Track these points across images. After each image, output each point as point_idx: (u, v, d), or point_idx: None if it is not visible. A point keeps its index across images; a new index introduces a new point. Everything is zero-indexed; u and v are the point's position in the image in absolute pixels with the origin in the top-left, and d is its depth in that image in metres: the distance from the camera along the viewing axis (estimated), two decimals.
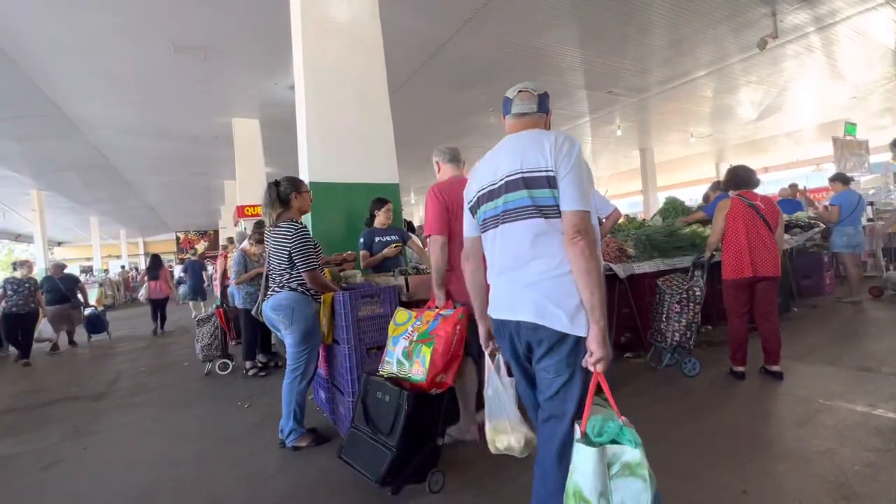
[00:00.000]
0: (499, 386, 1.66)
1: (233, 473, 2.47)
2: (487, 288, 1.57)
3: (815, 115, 11.39)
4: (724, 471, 2.04)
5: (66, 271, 7.65)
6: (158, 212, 19.40)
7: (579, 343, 1.33)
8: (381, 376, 2.23)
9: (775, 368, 3.14)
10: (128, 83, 6.47)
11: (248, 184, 8.94)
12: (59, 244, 26.04)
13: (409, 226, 6.73)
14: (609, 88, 8.35)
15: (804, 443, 2.25)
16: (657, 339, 3.50)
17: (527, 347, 1.43)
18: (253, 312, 3.05)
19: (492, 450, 1.69)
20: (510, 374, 1.62)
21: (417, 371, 2.13)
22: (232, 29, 5.28)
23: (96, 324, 7.95)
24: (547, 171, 1.35)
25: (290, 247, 2.59)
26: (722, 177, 3.79)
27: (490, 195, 1.48)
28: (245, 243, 4.73)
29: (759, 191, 3.39)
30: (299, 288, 2.63)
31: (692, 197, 11.58)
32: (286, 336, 2.65)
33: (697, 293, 3.37)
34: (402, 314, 2.40)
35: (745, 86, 8.81)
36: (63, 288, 7.20)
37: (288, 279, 2.64)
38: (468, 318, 2.33)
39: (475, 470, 2.25)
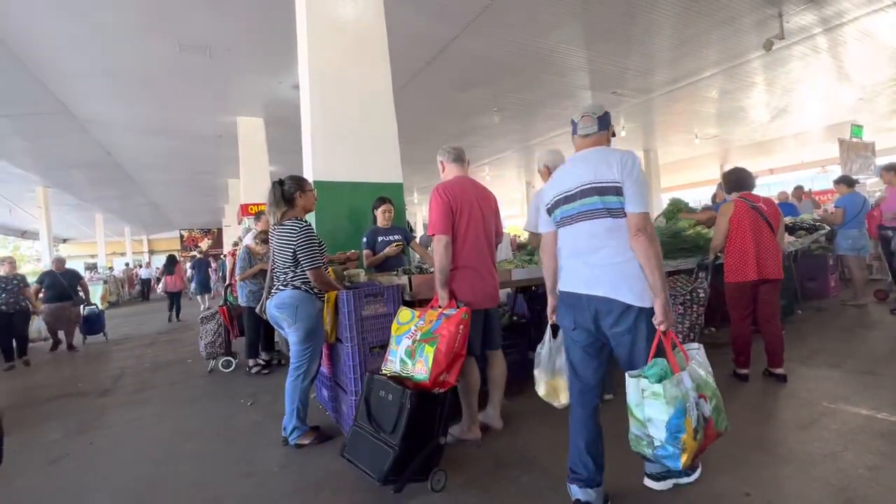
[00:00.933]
0: (551, 347, 2.13)
1: (236, 470, 2.49)
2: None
3: (821, 116, 11.33)
4: (727, 473, 2.04)
5: (69, 268, 7.30)
6: (163, 209, 19.50)
7: (641, 312, 1.72)
8: (384, 375, 2.24)
9: (779, 371, 3.13)
10: (133, 81, 6.50)
11: (252, 182, 8.97)
12: (65, 241, 26.18)
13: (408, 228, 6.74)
14: (613, 89, 8.33)
15: (807, 446, 2.25)
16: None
17: (595, 316, 1.80)
18: (257, 310, 3.06)
19: (539, 393, 2.18)
20: (555, 336, 2.13)
21: (420, 370, 2.13)
22: (237, 28, 5.29)
23: (94, 324, 7.46)
24: (614, 182, 1.74)
25: (294, 245, 2.60)
26: None
27: (566, 199, 1.86)
28: (250, 241, 4.75)
29: (764, 193, 3.38)
30: (303, 286, 2.64)
31: (697, 198, 11.54)
32: (290, 334, 2.66)
33: (701, 295, 3.36)
34: (405, 313, 2.40)
35: (750, 87, 8.76)
36: (65, 284, 6.81)
37: (292, 277, 2.65)
38: (471, 317, 2.34)
39: (477, 469, 2.25)
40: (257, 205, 8.44)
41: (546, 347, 2.16)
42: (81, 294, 7.18)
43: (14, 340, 5.96)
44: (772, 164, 17.00)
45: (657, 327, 1.69)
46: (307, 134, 3.81)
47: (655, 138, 12.74)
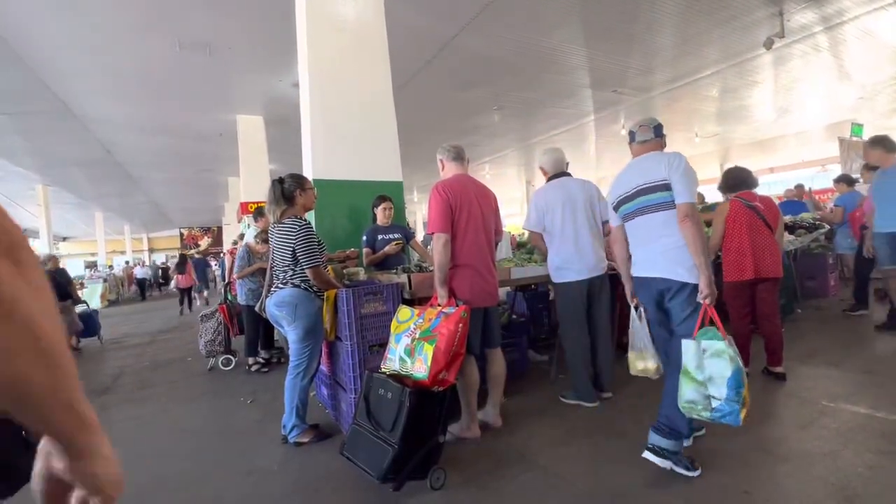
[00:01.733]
0: (638, 325, 2.34)
1: (235, 468, 2.49)
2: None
3: (821, 115, 11.31)
4: (726, 472, 2.04)
5: (66, 267, 7.17)
6: (162, 208, 19.49)
7: (694, 288, 2.02)
8: (384, 373, 2.24)
9: (778, 370, 3.13)
10: (133, 79, 6.49)
11: (251, 181, 8.96)
12: (64, 239, 26.19)
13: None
14: (614, 88, 8.31)
15: (806, 444, 2.25)
16: None
17: (658, 294, 2.15)
18: (256, 308, 3.06)
19: (632, 371, 2.36)
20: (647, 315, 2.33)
21: (419, 368, 2.13)
22: (237, 26, 5.29)
23: (88, 325, 6.88)
24: (663, 181, 2.08)
25: (293, 243, 2.60)
26: None
27: (626, 199, 2.24)
28: (250, 239, 4.75)
29: (764, 191, 3.39)
30: (303, 284, 2.64)
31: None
32: (289, 332, 2.66)
33: None
34: (404, 312, 2.40)
35: (751, 86, 8.75)
36: (63, 282, 6.38)
37: (291, 276, 2.65)
38: (470, 316, 2.34)
39: (476, 467, 2.26)
40: (257, 203, 8.43)
41: (636, 328, 2.37)
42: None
43: None
44: (772, 163, 16.98)
45: (702, 301, 1.96)
46: (307, 132, 3.81)
47: None
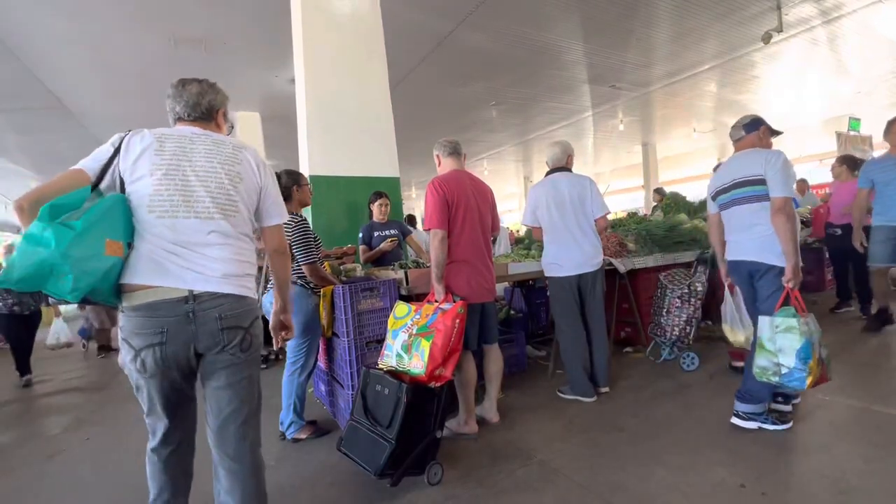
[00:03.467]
0: (732, 303, 2.65)
1: None
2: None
3: (819, 110, 11.31)
4: (722, 465, 2.05)
5: None
6: None
7: (780, 271, 2.24)
8: (381, 369, 2.24)
9: None
10: (128, 75, 6.44)
11: None
12: None
13: (411, 220, 6.73)
14: (612, 83, 8.29)
15: (802, 437, 2.26)
16: (657, 334, 3.51)
17: (749, 275, 2.41)
18: None
19: (731, 340, 2.71)
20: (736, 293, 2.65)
21: (416, 364, 2.13)
22: (232, 21, 5.25)
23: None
24: (759, 176, 2.29)
25: (290, 239, 2.59)
26: None
27: (723, 190, 2.48)
28: None
29: None
30: (299, 281, 2.64)
31: (698, 194, 11.49)
32: None
33: (699, 288, 3.37)
34: (401, 308, 2.40)
35: (749, 80, 8.74)
36: None
37: None
38: (467, 311, 2.34)
39: (473, 462, 2.26)
40: None
41: (728, 305, 2.68)
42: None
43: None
44: None
45: (785, 284, 2.20)
46: (303, 128, 3.79)
47: (654, 132, 12.72)
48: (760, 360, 2.19)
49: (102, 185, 1.38)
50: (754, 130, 2.46)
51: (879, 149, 9.52)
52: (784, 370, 2.09)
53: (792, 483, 1.89)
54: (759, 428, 2.32)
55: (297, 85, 3.97)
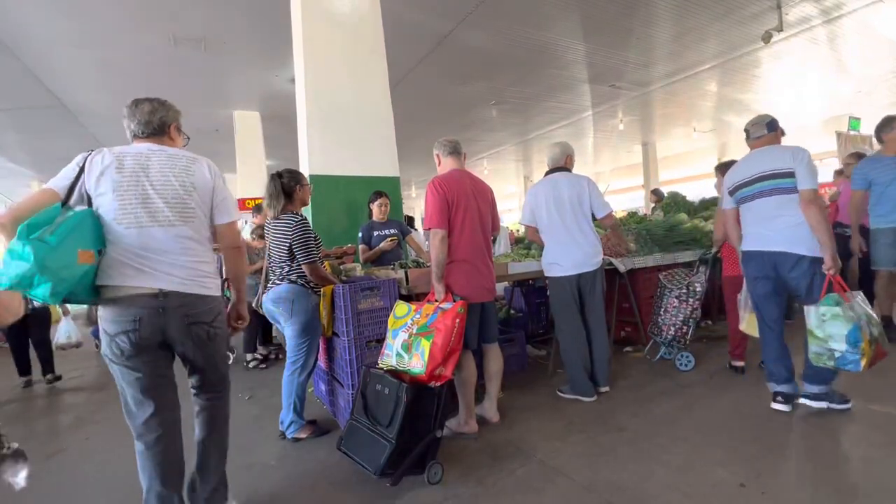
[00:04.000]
0: (745, 296, 2.78)
1: (234, 463, 2.47)
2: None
3: (819, 109, 11.31)
4: (722, 464, 2.05)
5: None
6: None
7: (814, 261, 2.33)
8: (381, 369, 2.24)
9: None
10: (128, 74, 6.44)
11: (248, 177, 8.91)
12: None
13: (410, 220, 6.73)
14: (612, 82, 8.29)
15: (803, 437, 2.26)
16: (655, 333, 3.51)
17: (773, 266, 2.47)
18: (253, 305, 3.06)
19: (741, 327, 2.88)
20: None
21: (416, 364, 2.13)
22: (232, 20, 5.24)
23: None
24: (788, 169, 2.39)
25: (290, 239, 2.59)
26: None
27: (745, 184, 2.57)
28: (246, 236, 4.74)
29: None
30: (299, 280, 2.64)
31: (696, 192, 11.48)
32: (286, 328, 2.65)
33: (698, 288, 3.36)
34: (401, 307, 2.40)
35: (749, 80, 8.74)
36: None
37: (288, 271, 2.64)
38: (467, 311, 2.34)
39: (473, 462, 2.26)
40: (254, 199, 8.41)
41: (744, 294, 2.81)
42: None
43: (37, 349, 4.55)
44: None
45: (826, 272, 2.28)
46: (303, 128, 3.79)
47: (653, 132, 12.71)
48: (814, 347, 2.30)
49: (71, 201, 1.57)
50: (774, 130, 2.60)
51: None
52: (837, 354, 2.18)
53: (792, 483, 1.89)
54: (828, 407, 2.42)
55: (297, 84, 3.97)
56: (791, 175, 2.37)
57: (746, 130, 2.69)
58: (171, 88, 7.01)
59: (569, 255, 2.92)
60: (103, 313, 1.56)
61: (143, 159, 1.63)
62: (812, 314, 2.29)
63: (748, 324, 2.82)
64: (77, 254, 1.42)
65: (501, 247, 5.86)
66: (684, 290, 3.38)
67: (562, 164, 3.08)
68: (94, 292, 1.54)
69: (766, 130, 2.59)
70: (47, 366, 4.57)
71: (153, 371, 1.62)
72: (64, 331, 5.19)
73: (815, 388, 2.45)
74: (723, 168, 3.45)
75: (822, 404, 2.44)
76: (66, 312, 5.19)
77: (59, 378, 4.57)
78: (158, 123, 1.74)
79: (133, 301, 1.53)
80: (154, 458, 1.63)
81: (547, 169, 3.15)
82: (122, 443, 2.96)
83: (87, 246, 1.46)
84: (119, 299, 1.53)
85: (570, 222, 2.93)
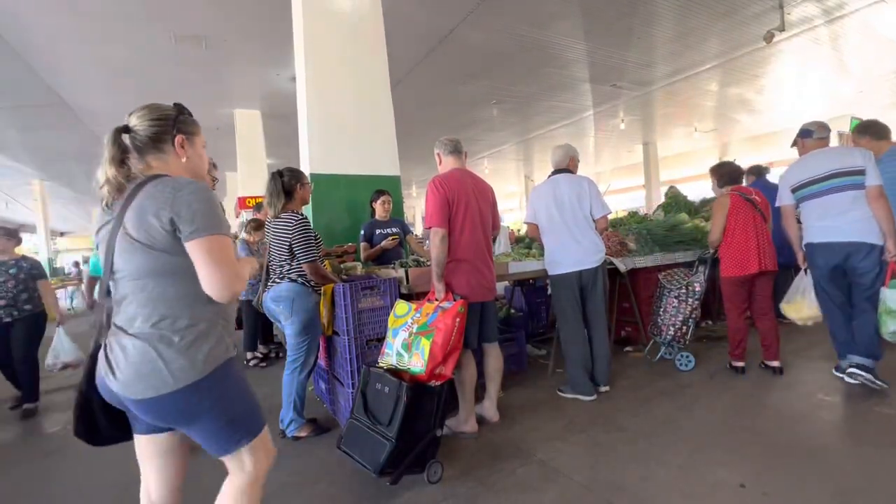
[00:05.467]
0: (801, 283, 2.99)
1: None
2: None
3: (821, 109, 11.27)
4: (723, 465, 2.05)
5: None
6: None
7: (881, 250, 2.62)
8: (381, 368, 2.24)
9: (774, 364, 3.14)
10: (129, 72, 6.44)
11: (249, 175, 8.92)
12: (62, 234, 26.10)
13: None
14: (613, 82, 8.27)
15: (803, 437, 2.26)
16: (655, 333, 3.51)
17: (844, 256, 2.69)
18: (253, 303, 3.06)
19: (795, 317, 3.04)
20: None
21: (416, 363, 2.13)
22: (233, 19, 5.24)
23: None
24: (860, 167, 2.66)
25: (290, 238, 2.59)
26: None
27: (814, 181, 2.79)
28: (243, 234, 4.74)
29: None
30: (300, 279, 2.64)
31: (697, 192, 11.46)
32: (286, 327, 2.65)
33: (697, 288, 3.36)
34: (401, 306, 2.40)
35: (751, 80, 8.72)
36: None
37: (288, 270, 2.64)
38: (467, 310, 2.34)
39: (473, 461, 2.26)
40: (255, 197, 8.41)
41: (799, 285, 2.99)
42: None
43: (18, 367, 3.64)
44: (771, 158, 16.93)
45: (890, 259, 2.58)
46: (304, 127, 3.79)
47: (654, 131, 12.69)
48: (892, 326, 2.57)
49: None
50: (828, 134, 2.91)
51: None
52: None
53: (792, 483, 1.89)
54: (872, 381, 2.64)
55: (298, 83, 3.96)
56: (862, 173, 2.62)
57: (809, 130, 2.90)
58: (171, 86, 7.01)
59: (569, 253, 2.95)
60: None
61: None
62: (887, 295, 2.56)
63: (795, 308, 3.00)
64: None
65: (502, 246, 5.84)
66: (683, 290, 3.38)
67: (564, 167, 3.13)
68: None
69: (826, 133, 2.87)
70: (29, 392, 3.63)
71: None
72: (53, 350, 3.77)
73: (866, 362, 2.68)
74: (717, 170, 3.45)
75: (869, 377, 2.65)
76: (61, 322, 3.86)
77: (33, 413, 3.61)
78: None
79: None
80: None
81: (551, 170, 3.19)
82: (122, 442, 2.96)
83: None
84: None
85: (570, 221, 2.96)
